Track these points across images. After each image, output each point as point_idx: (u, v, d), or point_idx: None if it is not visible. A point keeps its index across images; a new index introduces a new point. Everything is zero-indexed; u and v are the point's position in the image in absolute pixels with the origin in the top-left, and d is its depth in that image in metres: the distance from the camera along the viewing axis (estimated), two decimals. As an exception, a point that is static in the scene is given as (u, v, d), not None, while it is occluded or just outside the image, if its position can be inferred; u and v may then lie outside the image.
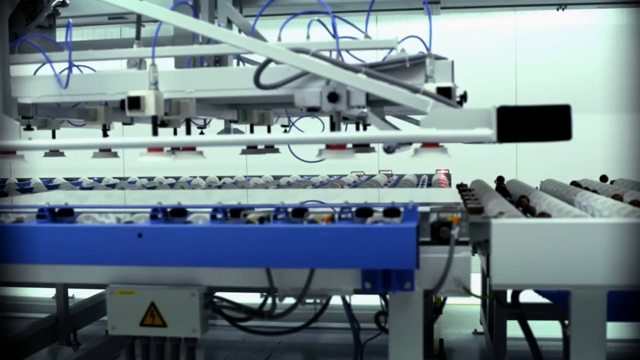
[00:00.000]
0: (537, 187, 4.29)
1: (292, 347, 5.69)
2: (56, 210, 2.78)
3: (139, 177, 5.64)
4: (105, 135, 3.69)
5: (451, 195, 3.60)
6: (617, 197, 3.40)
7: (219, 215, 2.68)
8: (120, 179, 5.59)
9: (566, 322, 2.65)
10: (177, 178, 5.54)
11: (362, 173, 5.54)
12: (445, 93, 2.70)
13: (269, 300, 2.61)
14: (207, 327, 2.70)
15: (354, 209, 2.65)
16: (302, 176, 5.47)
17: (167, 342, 2.73)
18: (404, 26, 7.45)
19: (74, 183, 5.27)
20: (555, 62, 8.04)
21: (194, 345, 2.75)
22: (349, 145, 2.93)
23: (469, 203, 2.91)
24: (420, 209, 2.65)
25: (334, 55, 2.90)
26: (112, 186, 4.87)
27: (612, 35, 7.86)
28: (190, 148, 3.23)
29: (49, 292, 6.21)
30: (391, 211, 2.57)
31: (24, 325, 5.07)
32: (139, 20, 4.02)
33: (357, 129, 4.41)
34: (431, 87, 2.72)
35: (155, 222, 2.65)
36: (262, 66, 2.83)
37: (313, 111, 2.89)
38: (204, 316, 2.66)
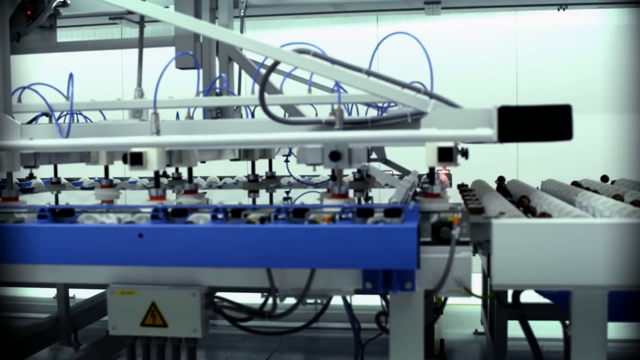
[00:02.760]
0: (537, 188, 4.30)
1: (292, 347, 5.70)
2: (57, 210, 2.78)
3: (140, 177, 5.64)
4: (106, 174, 3.71)
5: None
6: (618, 197, 3.40)
7: (220, 215, 2.68)
8: (121, 179, 5.59)
9: (567, 322, 2.65)
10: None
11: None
12: (446, 153, 2.62)
13: (270, 301, 2.61)
14: (208, 327, 2.70)
15: (354, 209, 2.65)
16: (302, 176, 5.47)
17: (168, 342, 2.73)
18: (405, 26, 7.47)
19: (74, 183, 5.27)
20: (556, 62, 8.04)
21: (194, 345, 2.75)
22: (350, 194, 2.94)
23: (469, 203, 2.91)
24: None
25: (336, 107, 2.90)
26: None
27: (613, 36, 7.87)
28: (192, 191, 3.27)
29: (50, 292, 6.21)
30: (392, 211, 2.56)
31: (25, 325, 5.08)
32: (142, 34, 4.02)
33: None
34: (432, 147, 2.64)
35: (156, 222, 2.65)
36: (270, 70, 2.82)
37: (315, 165, 2.92)
38: (205, 316, 2.66)
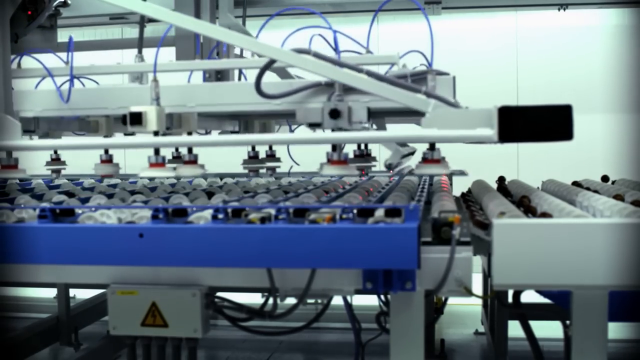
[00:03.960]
0: (538, 188, 4.29)
1: (293, 347, 5.70)
2: (57, 210, 2.79)
3: (140, 177, 5.63)
4: (106, 149, 3.70)
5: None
6: (619, 197, 3.40)
7: (220, 216, 2.68)
8: (121, 179, 5.58)
9: (567, 322, 2.65)
10: (178, 178, 5.53)
11: (363, 173, 5.53)
12: None
13: (270, 301, 2.61)
14: (208, 327, 2.70)
15: (355, 210, 2.65)
16: (303, 176, 5.46)
17: (169, 342, 2.73)
18: (405, 26, 7.46)
19: (75, 183, 5.26)
20: (557, 62, 8.04)
21: (195, 345, 2.75)
22: (351, 155, 2.91)
23: (476, 215, 2.91)
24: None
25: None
26: (114, 186, 4.87)
27: (613, 36, 7.87)
28: (192, 161, 3.26)
29: (50, 292, 6.21)
30: (392, 211, 2.56)
31: (25, 325, 5.08)
32: (141, 34, 4.02)
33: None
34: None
35: (156, 222, 2.65)
36: (264, 68, 2.83)
37: (314, 126, 2.90)
38: (205, 316, 2.66)
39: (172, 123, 3.12)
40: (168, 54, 3.52)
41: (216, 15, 4.20)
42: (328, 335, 5.91)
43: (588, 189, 3.88)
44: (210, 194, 3.82)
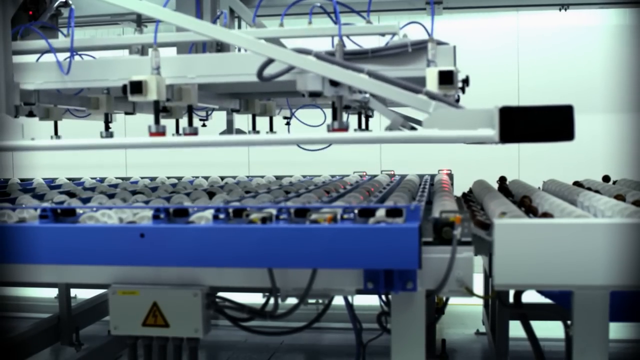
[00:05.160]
0: (539, 188, 4.29)
1: (294, 348, 5.70)
2: (58, 210, 2.79)
3: (142, 177, 5.64)
4: (107, 125, 3.70)
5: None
6: (620, 197, 3.40)
7: (222, 216, 2.68)
8: (122, 179, 5.59)
9: (568, 322, 2.64)
10: (179, 178, 5.54)
11: (364, 173, 5.53)
12: (447, 77, 2.69)
13: (272, 301, 2.61)
14: (209, 327, 2.70)
15: (356, 210, 2.65)
16: (304, 176, 5.46)
17: (170, 342, 2.73)
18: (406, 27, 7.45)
19: (76, 183, 5.27)
20: (558, 63, 8.03)
21: (196, 345, 2.75)
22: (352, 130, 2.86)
23: (477, 215, 2.90)
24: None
25: (336, 40, 2.88)
26: (115, 186, 4.87)
27: (614, 36, 7.86)
28: (192, 134, 3.23)
29: (52, 292, 6.21)
30: (394, 211, 2.56)
31: (27, 325, 5.07)
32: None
33: (359, 119, 4.43)
34: (433, 72, 2.71)
35: (157, 222, 2.66)
36: (265, 65, 2.82)
37: (315, 96, 2.87)
38: (206, 316, 2.66)
39: (173, 95, 3.11)
40: (169, 51, 3.51)
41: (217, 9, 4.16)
42: (329, 335, 5.91)
43: (589, 189, 3.88)
44: (211, 194, 3.82)
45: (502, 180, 4.61)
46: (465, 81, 2.92)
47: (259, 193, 3.75)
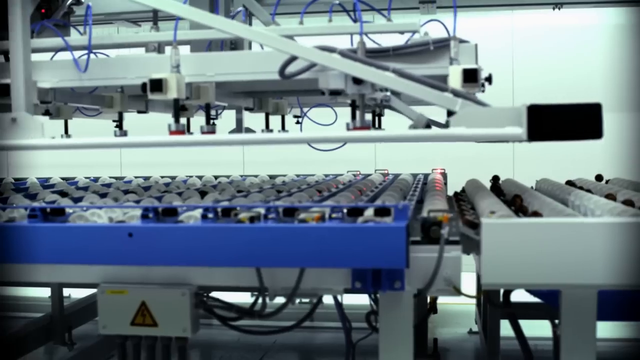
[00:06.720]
0: (532, 187, 4.29)
1: (286, 347, 5.69)
2: (48, 210, 2.78)
3: (135, 177, 5.63)
4: (121, 123, 3.68)
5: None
6: (611, 196, 3.40)
7: (210, 215, 2.67)
8: (116, 178, 5.58)
9: (556, 321, 2.65)
10: (173, 177, 5.53)
11: (358, 172, 5.53)
12: (471, 75, 2.69)
13: (260, 300, 2.61)
14: (197, 326, 2.70)
15: (344, 209, 2.65)
16: (297, 175, 5.46)
17: (158, 341, 2.73)
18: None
19: (70, 183, 5.26)
20: (553, 62, 8.03)
21: (184, 344, 2.74)
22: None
23: (466, 214, 2.90)
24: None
25: (356, 38, 2.86)
26: (108, 185, 4.86)
27: (610, 35, 7.87)
28: (210, 133, 3.23)
29: (44, 292, 6.21)
30: (382, 210, 2.56)
31: (19, 324, 5.07)
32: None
33: (373, 118, 4.44)
34: (456, 70, 2.71)
35: (146, 221, 2.65)
36: (287, 62, 2.80)
37: (335, 95, 2.85)
38: (195, 316, 2.66)
39: (191, 93, 3.09)
40: (182, 50, 3.51)
41: (231, 7, 4.13)
42: (322, 334, 5.91)
43: (582, 188, 3.88)
44: (203, 194, 3.82)
45: (495, 179, 4.61)
46: (489, 79, 2.89)
47: (250, 192, 3.75)
